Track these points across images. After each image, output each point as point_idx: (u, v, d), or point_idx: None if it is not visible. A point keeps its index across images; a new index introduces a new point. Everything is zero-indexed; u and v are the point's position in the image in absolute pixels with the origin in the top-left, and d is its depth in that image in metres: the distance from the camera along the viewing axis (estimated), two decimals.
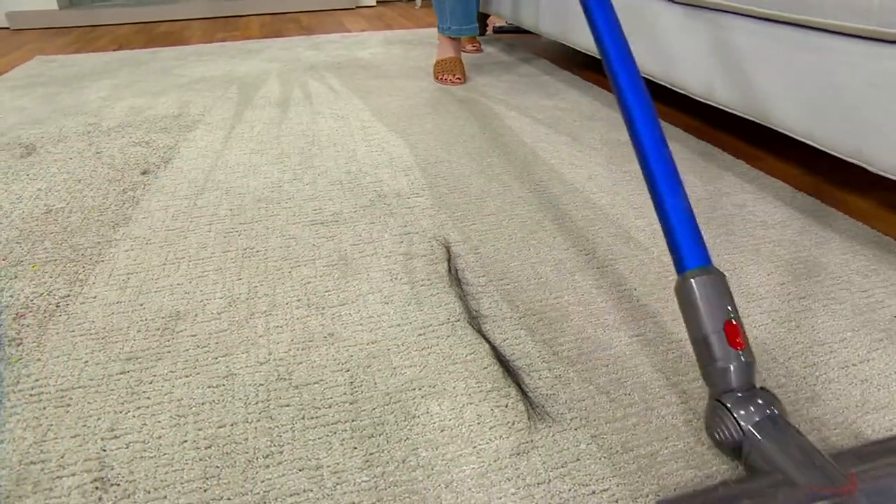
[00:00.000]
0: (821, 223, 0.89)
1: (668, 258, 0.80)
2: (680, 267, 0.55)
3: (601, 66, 1.85)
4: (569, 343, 0.65)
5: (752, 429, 0.47)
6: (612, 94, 1.54)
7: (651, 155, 0.59)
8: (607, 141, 1.21)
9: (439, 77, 1.67)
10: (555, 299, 0.72)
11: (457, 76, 1.66)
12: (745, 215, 0.91)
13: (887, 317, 0.69)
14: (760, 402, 0.48)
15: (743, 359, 0.49)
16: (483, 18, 2.36)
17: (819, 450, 0.45)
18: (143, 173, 1.09)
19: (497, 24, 2.51)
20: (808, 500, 0.41)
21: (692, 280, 0.53)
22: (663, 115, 1.40)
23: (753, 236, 0.85)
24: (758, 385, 0.50)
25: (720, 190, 1.00)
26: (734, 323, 0.51)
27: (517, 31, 2.44)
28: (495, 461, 0.51)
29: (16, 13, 2.80)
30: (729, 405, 0.48)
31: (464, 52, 2.06)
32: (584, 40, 1.49)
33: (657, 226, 0.88)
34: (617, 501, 0.48)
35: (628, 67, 0.64)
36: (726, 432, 0.48)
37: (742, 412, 0.47)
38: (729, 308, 0.51)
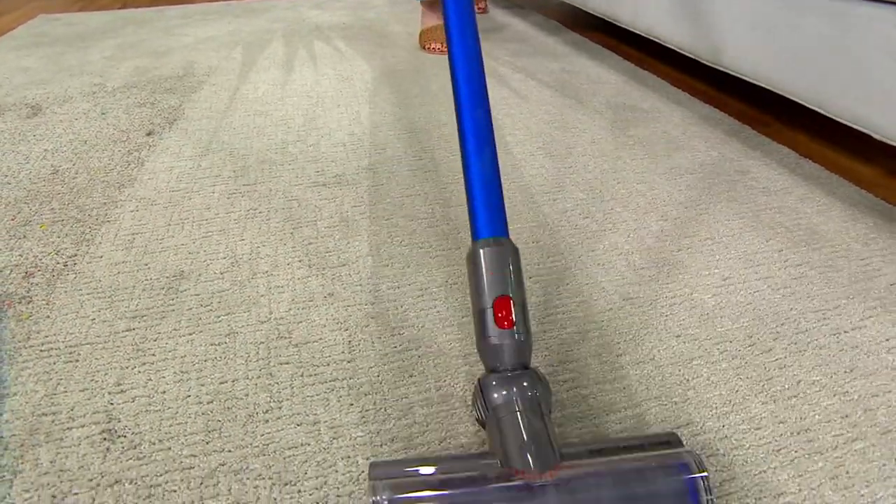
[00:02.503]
0: (824, 190, 0.89)
1: (664, 225, 0.80)
2: (474, 234, 0.52)
3: (611, 28, 1.81)
4: (564, 309, 0.66)
5: (496, 409, 0.45)
6: (620, 58, 1.51)
7: (466, 113, 0.55)
8: (612, 105, 1.20)
9: (427, 46, 1.61)
10: (552, 264, 0.73)
11: (445, 45, 1.58)
12: (748, 181, 0.91)
13: (883, 285, 0.69)
14: (515, 384, 0.46)
15: (510, 338, 0.47)
16: None
17: (550, 437, 0.43)
18: (148, 134, 1.09)
19: None
20: (499, 478, 0.41)
21: (480, 250, 0.50)
22: (670, 77, 1.38)
23: (755, 203, 0.85)
24: (531, 364, 0.49)
25: (724, 155, 0.99)
26: (508, 299, 0.48)
27: None
28: None
29: None
30: (482, 384, 0.47)
31: None
32: None
33: (657, 191, 0.88)
34: None
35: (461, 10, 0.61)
36: (477, 412, 0.47)
37: (492, 393, 0.46)
38: (509, 284, 0.49)
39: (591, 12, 1.51)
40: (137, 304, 0.66)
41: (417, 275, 0.71)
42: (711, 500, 0.40)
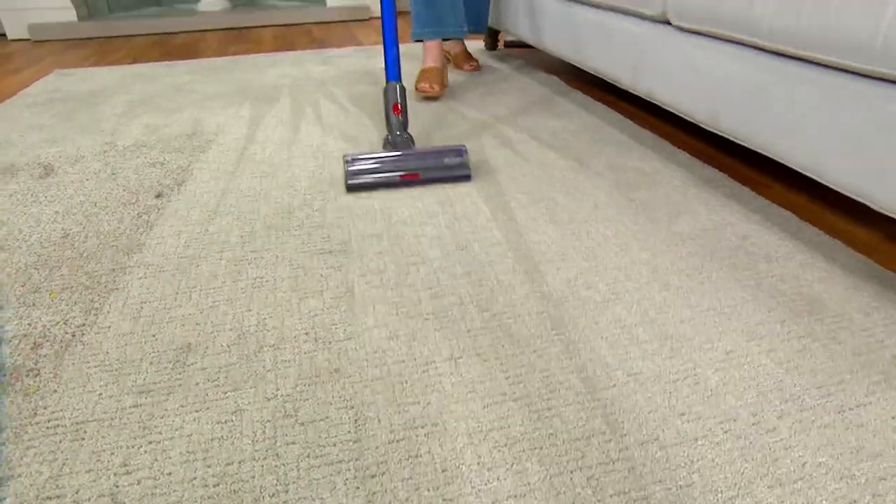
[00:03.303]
0: (824, 256, 0.90)
1: (667, 295, 0.81)
2: (387, 79, 1.22)
3: (611, 86, 1.86)
4: (567, 384, 0.66)
5: (392, 142, 1.21)
6: (620, 115, 1.55)
7: (387, 21, 1.21)
8: (615, 166, 1.22)
9: (417, 87, 1.68)
10: (556, 337, 0.73)
11: (432, 85, 1.65)
12: (749, 247, 0.92)
13: (887, 357, 0.69)
14: (401, 136, 1.21)
15: (398, 120, 1.20)
16: (494, 35, 2.37)
17: (412, 144, 1.21)
18: (157, 196, 1.11)
19: (508, 39, 2.53)
20: (393, 152, 1.16)
21: (388, 86, 1.21)
22: (670, 136, 1.41)
23: (756, 270, 0.86)
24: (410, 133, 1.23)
25: (725, 220, 1.00)
26: (398, 104, 1.20)
27: (527, 45, 2.45)
28: (493, 503, 0.53)
29: (37, 25, 2.86)
30: (387, 138, 1.22)
31: (461, 70, 2.05)
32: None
33: (660, 259, 0.89)
34: None
35: None
36: (385, 145, 1.22)
37: (390, 139, 1.21)
38: (399, 99, 1.20)
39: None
40: (144, 379, 0.67)
41: (423, 348, 0.71)
42: (466, 160, 1.16)
